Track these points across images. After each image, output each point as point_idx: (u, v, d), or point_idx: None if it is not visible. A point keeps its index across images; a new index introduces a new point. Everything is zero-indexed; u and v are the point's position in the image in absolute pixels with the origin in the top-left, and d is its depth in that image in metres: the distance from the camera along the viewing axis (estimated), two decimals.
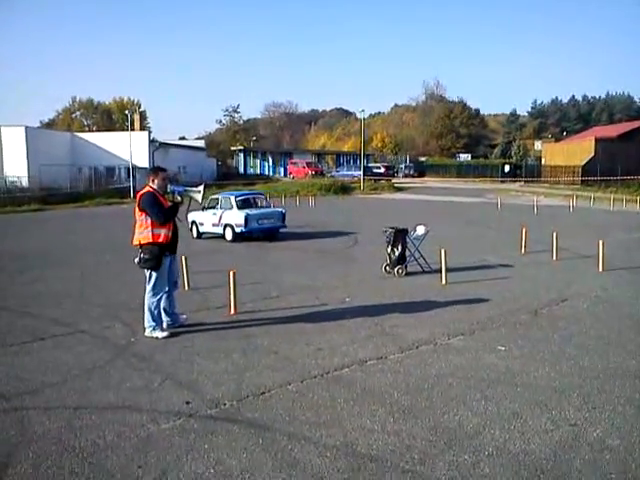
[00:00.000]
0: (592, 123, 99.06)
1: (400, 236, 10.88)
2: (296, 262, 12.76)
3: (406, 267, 10.90)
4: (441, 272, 10.07)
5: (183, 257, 9.78)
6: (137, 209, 6.79)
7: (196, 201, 7.22)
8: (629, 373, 5.61)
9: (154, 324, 6.90)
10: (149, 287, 6.90)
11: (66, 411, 4.82)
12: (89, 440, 4.27)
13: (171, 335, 6.91)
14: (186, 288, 9.60)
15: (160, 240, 6.73)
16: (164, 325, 7.08)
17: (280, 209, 18.26)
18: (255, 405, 4.92)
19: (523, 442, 4.19)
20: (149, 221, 6.68)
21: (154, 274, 6.82)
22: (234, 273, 7.96)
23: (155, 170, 7.08)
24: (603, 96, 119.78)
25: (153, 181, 6.92)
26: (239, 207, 16.71)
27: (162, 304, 7.01)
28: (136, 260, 6.85)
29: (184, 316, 7.51)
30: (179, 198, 7.00)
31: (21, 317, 8.05)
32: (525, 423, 4.51)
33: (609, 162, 45.37)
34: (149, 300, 6.89)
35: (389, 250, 10.93)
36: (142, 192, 6.85)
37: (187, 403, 4.96)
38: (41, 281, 10.84)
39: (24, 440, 4.29)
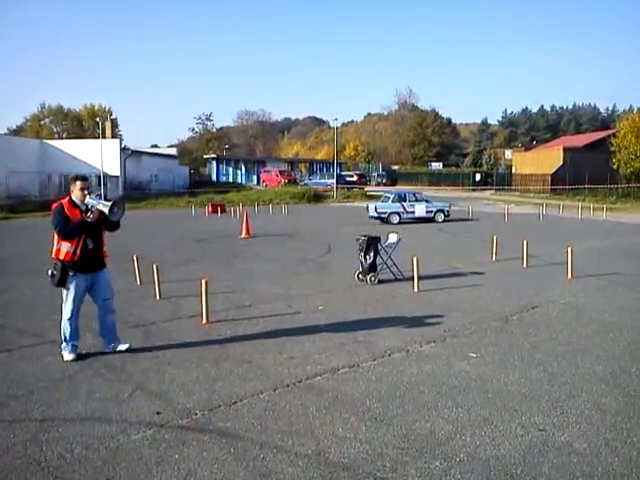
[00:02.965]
0: (560, 133, 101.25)
1: (373, 244, 10.93)
2: (269, 270, 12.72)
3: (378, 275, 10.94)
4: (413, 279, 10.14)
5: (154, 266, 9.70)
6: None
7: (104, 214, 6.29)
8: (596, 378, 5.71)
9: (64, 343, 6.39)
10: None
11: (32, 424, 4.71)
12: (55, 453, 4.18)
13: (78, 358, 6.35)
14: (157, 297, 9.50)
15: (61, 257, 6.16)
16: (72, 346, 6.44)
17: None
18: (227, 415, 4.88)
19: (493, 448, 4.24)
20: (56, 235, 6.20)
21: (64, 292, 6.34)
22: (206, 282, 7.91)
23: (73, 179, 6.38)
24: (570, 107, 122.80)
25: (72, 191, 6.30)
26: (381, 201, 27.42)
27: (72, 324, 6.40)
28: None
29: (126, 344, 6.72)
30: (89, 213, 6.22)
31: None
32: (496, 429, 4.56)
33: (577, 171, 46.28)
34: (62, 317, 6.42)
35: (362, 258, 10.97)
36: (55, 204, 6.29)
37: (158, 413, 4.90)
38: (11, 290, 10.61)
39: None
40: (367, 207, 26.85)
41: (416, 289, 10.01)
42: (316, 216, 30.81)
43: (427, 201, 26.90)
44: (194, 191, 48.46)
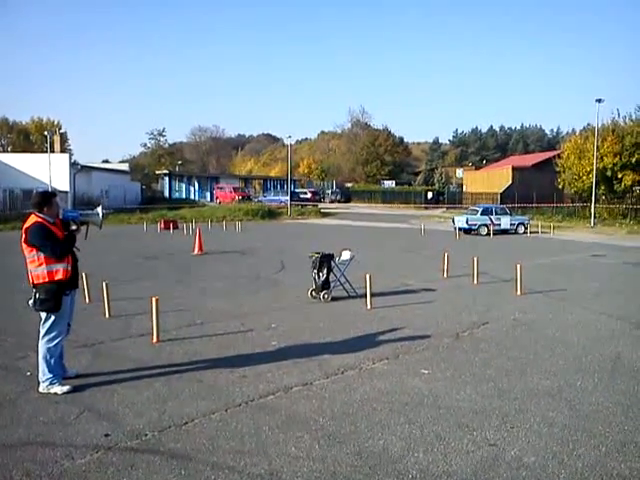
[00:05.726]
0: (509, 152, 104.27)
1: (326, 261, 10.95)
2: (222, 288, 12.59)
3: (331, 292, 10.96)
4: (366, 297, 10.19)
5: (104, 283, 9.47)
6: (24, 245, 5.73)
7: (95, 225, 6.28)
8: (544, 392, 5.85)
9: (51, 377, 5.81)
10: (44, 332, 5.83)
11: None
12: None
13: (74, 390, 5.85)
14: (107, 316, 9.27)
15: (59, 277, 5.75)
16: (60, 377, 5.97)
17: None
18: (177, 435, 4.78)
19: (445, 464, 4.27)
20: (42, 257, 5.67)
21: (52, 317, 5.79)
22: (157, 299, 7.76)
23: (47, 196, 5.95)
24: (518, 127, 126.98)
25: (43, 210, 5.81)
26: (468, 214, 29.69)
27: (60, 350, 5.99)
28: (30, 302, 5.76)
29: (74, 370, 6.39)
30: (74, 226, 6.01)
31: None
32: (448, 445, 4.60)
33: (525, 190, 47.64)
34: (44, 347, 5.81)
35: (315, 275, 10.97)
36: (28, 224, 5.73)
37: (106, 435, 4.76)
38: None
39: None
40: (453, 219, 30.01)
41: (369, 306, 10.06)
42: (270, 233, 30.70)
43: (510, 214, 29.88)
44: (146, 207, 47.72)
